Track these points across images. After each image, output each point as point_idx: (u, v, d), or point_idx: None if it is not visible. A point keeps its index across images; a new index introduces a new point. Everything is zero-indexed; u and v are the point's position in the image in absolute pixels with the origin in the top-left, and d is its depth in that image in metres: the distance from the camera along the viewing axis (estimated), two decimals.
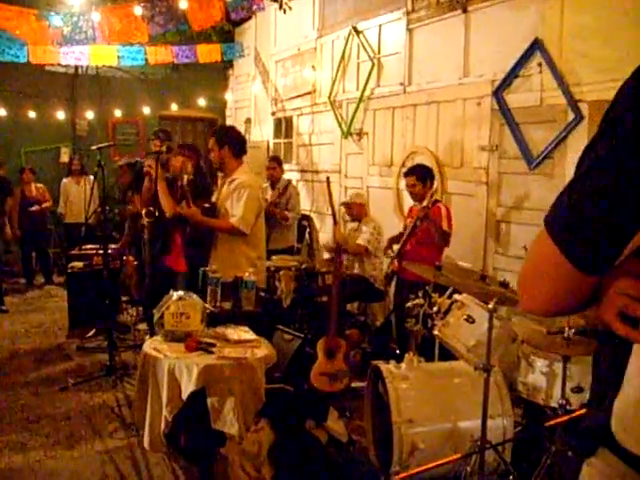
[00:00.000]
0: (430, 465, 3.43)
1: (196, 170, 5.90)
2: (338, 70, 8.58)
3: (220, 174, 5.48)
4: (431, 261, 4.76)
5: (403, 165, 7.17)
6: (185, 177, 5.50)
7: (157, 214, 5.62)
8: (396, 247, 5.97)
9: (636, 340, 1.00)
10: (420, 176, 5.86)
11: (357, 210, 6.73)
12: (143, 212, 6.17)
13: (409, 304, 4.53)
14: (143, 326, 6.99)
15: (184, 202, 5.11)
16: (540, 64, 5.44)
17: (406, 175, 5.99)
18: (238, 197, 5.02)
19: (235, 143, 5.22)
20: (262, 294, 5.31)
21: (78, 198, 9.54)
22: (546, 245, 1.05)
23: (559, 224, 1.04)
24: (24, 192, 10.00)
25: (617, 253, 1.00)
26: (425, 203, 5.56)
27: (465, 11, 6.28)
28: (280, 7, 8.33)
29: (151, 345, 4.08)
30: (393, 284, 6.25)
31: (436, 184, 6.00)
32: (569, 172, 5.12)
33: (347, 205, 6.79)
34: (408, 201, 6.55)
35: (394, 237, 6.15)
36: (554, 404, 3.59)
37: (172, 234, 5.80)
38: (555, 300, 1.09)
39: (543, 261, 1.08)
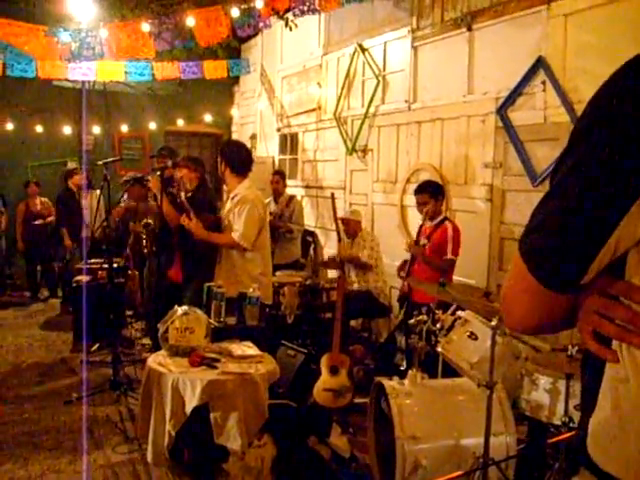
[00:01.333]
0: None
1: (200, 184, 5.92)
2: (343, 87, 8.64)
3: (226, 188, 5.52)
4: (436, 279, 4.76)
5: (408, 182, 7.20)
6: (182, 194, 5.51)
7: (158, 228, 5.65)
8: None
9: (607, 358, 1.02)
10: (432, 193, 5.80)
11: (353, 227, 6.76)
12: (142, 222, 6.22)
13: (412, 321, 4.53)
14: (147, 340, 7.01)
15: (185, 216, 5.14)
16: (544, 82, 5.48)
17: (417, 193, 5.90)
18: (239, 213, 5.05)
19: (235, 161, 5.24)
20: (267, 310, 5.32)
21: (85, 212, 9.57)
22: (518, 264, 1.07)
23: (527, 243, 1.06)
24: (29, 206, 10.07)
25: (583, 270, 0.99)
26: (427, 217, 5.56)
27: (470, 29, 6.33)
28: (286, 24, 8.38)
29: (155, 360, 4.09)
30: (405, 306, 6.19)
31: (441, 200, 5.94)
32: None
33: (344, 221, 6.79)
34: (412, 218, 6.56)
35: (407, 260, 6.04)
36: (557, 421, 3.58)
37: (175, 247, 5.82)
38: (531, 319, 1.10)
39: (517, 280, 1.09)
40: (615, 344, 1.02)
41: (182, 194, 5.50)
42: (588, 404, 1.12)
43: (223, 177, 5.32)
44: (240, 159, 5.28)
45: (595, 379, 1.10)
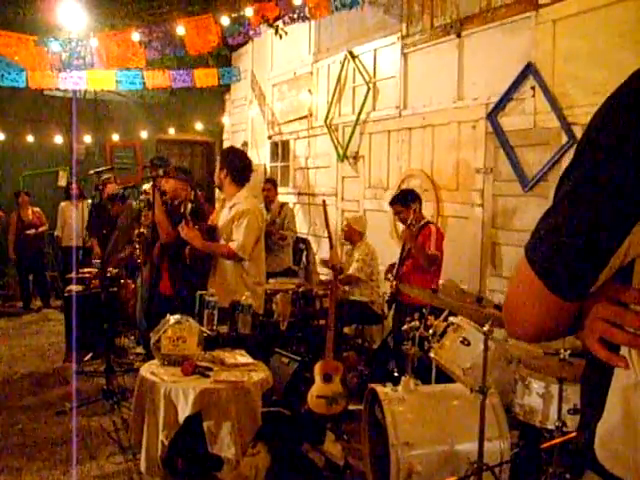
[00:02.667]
0: None
1: (194, 194, 5.92)
2: (334, 94, 8.66)
3: (221, 195, 5.45)
4: (427, 284, 4.77)
5: (399, 188, 7.20)
6: (189, 205, 5.47)
7: (152, 239, 5.63)
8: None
9: (616, 364, 1.01)
10: (402, 202, 5.87)
11: (352, 235, 6.74)
12: (135, 232, 6.19)
13: (405, 327, 4.53)
14: (140, 349, 6.99)
15: (183, 224, 5.08)
16: (533, 87, 5.51)
17: (390, 205, 6.03)
18: (238, 224, 5.00)
19: (235, 169, 5.15)
20: (261, 318, 5.31)
21: (75, 222, 9.55)
22: (525, 273, 1.06)
23: (536, 251, 1.05)
24: (20, 216, 10.04)
25: (594, 279, 1.01)
26: (408, 222, 5.56)
27: (459, 36, 6.36)
28: (276, 32, 8.40)
29: (148, 369, 4.08)
30: (393, 307, 6.23)
31: (416, 205, 5.93)
32: None
33: (346, 225, 6.82)
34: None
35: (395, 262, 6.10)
36: (551, 426, 3.59)
37: (162, 259, 5.78)
38: (537, 327, 1.11)
39: (524, 289, 1.09)
40: (624, 350, 1.03)
41: (189, 206, 5.47)
42: (591, 408, 1.13)
43: (221, 185, 5.25)
44: (242, 168, 5.21)
45: (601, 384, 1.10)
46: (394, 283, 5.85)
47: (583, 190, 1.00)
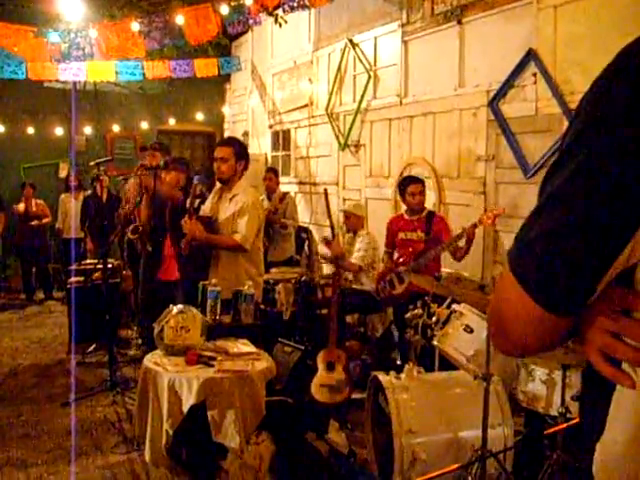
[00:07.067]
0: (431, 475, 3.43)
1: (187, 184, 5.89)
2: (335, 82, 8.63)
3: (218, 185, 5.39)
4: (432, 272, 4.76)
5: (400, 176, 7.19)
6: (197, 201, 5.46)
7: (145, 229, 5.62)
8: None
9: (620, 382, 0.88)
10: (424, 185, 5.85)
11: (354, 221, 6.70)
12: (130, 228, 6.17)
13: (408, 315, 4.53)
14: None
15: (186, 218, 5.03)
16: (535, 74, 5.49)
17: (412, 183, 5.85)
18: (242, 216, 4.97)
19: (248, 161, 5.23)
20: (262, 307, 5.31)
21: (76, 213, 9.55)
22: (511, 287, 0.92)
23: (522, 263, 0.91)
24: (26, 207, 10.05)
25: (593, 290, 0.87)
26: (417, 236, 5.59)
27: (460, 22, 6.33)
28: (276, 21, 8.36)
29: (151, 359, 4.08)
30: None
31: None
32: None
33: (346, 214, 6.76)
34: None
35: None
36: (554, 412, 3.59)
37: (161, 247, 5.77)
38: (528, 344, 0.97)
39: (510, 304, 0.94)
40: (627, 366, 0.89)
41: (196, 202, 5.45)
42: (592, 426, 1.02)
43: (234, 175, 5.17)
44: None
45: (602, 400, 0.99)
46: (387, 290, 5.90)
47: (575, 187, 0.85)
